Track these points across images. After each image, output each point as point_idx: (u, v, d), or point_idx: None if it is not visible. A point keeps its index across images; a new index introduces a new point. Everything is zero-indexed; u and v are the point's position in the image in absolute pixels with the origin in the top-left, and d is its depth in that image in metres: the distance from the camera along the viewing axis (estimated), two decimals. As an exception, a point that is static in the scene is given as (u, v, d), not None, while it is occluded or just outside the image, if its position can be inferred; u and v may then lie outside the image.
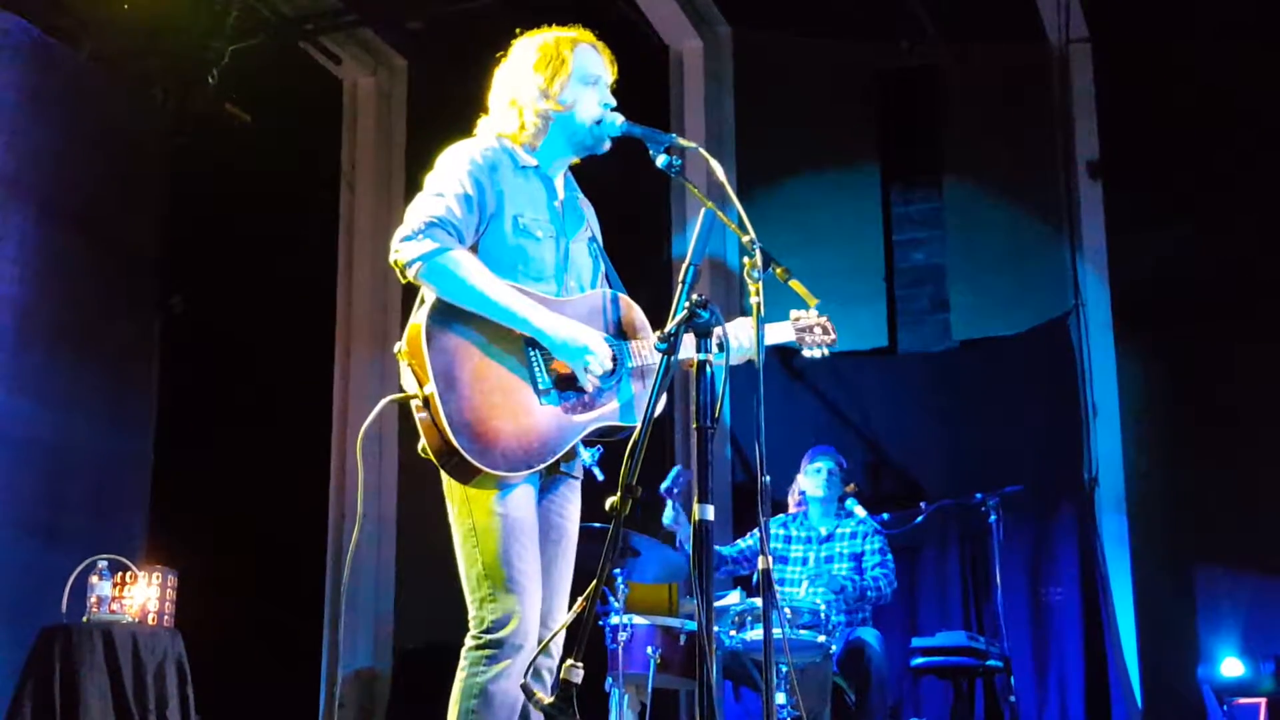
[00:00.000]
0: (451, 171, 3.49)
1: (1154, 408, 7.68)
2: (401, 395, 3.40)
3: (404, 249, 3.37)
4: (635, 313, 3.65)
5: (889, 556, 6.77)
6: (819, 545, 6.86)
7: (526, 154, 3.63)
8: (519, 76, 3.63)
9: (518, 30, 3.75)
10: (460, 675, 3.34)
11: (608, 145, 3.66)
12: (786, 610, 5.87)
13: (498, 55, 3.72)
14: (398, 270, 3.40)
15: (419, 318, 3.38)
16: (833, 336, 3.87)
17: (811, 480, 6.93)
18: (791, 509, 7.06)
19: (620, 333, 3.59)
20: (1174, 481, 7.52)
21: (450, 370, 3.33)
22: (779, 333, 3.85)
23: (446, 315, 3.37)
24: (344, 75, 9.47)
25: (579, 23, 3.79)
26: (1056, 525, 7.68)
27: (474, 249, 3.47)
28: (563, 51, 3.62)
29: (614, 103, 3.64)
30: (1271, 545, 7.24)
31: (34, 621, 6.33)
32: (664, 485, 6.26)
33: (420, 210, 3.42)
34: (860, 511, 6.84)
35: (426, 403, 3.31)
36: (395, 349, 3.42)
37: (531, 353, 3.43)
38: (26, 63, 7.57)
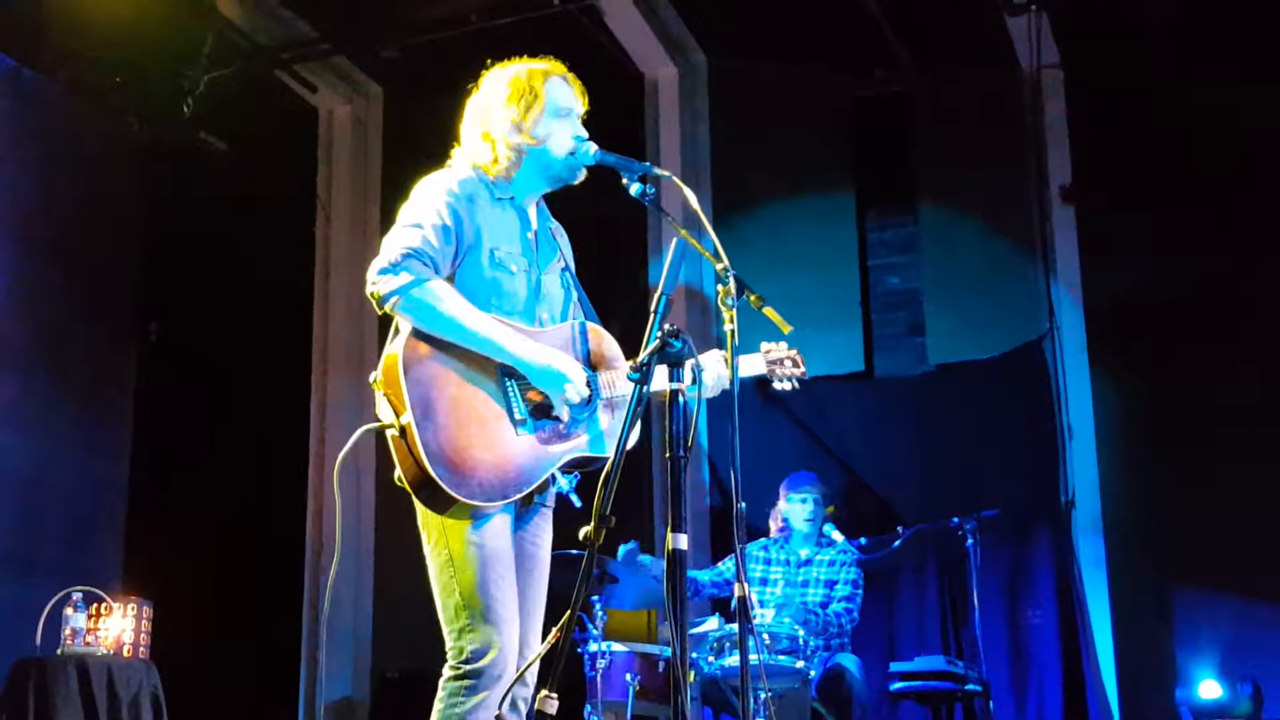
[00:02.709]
0: (429, 202, 3.48)
1: (1129, 430, 7.71)
2: (378, 425, 3.38)
3: (381, 282, 3.37)
4: (605, 343, 3.65)
5: (859, 591, 6.77)
6: (796, 569, 6.86)
7: (501, 185, 3.63)
8: (491, 110, 3.63)
9: (488, 61, 3.75)
10: (438, 706, 3.33)
11: (582, 175, 3.67)
12: (764, 636, 5.87)
13: (470, 86, 3.72)
14: (374, 302, 3.40)
15: (394, 348, 3.38)
16: (802, 369, 3.90)
17: (798, 511, 6.94)
18: (773, 534, 7.06)
19: (590, 364, 3.59)
20: (1151, 503, 7.55)
21: (427, 400, 3.32)
22: (750, 364, 3.86)
23: (422, 345, 3.37)
24: (320, 103, 9.48)
25: (555, 50, 3.79)
26: (1033, 548, 7.69)
27: (449, 280, 3.46)
28: (535, 85, 3.62)
29: (586, 134, 3.65)
30: (1249, 566, 7.27)
31: (8, 654, 6.29)
32: (620, 561, 6.33)
33: (397, 242, 3.41)
34: (838, 537, 6.86)
35: (403, 432, 3.30)
36: (371, 379, 3.41)
37: (508, 383, 3.43)
38: (1, 92, 7.56)
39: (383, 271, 3.37)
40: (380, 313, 3.42)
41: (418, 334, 3.37)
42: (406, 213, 3.50)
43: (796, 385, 3.91)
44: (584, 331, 3.63)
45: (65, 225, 7.96)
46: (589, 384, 3.51)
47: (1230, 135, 7.52)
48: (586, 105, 3.71)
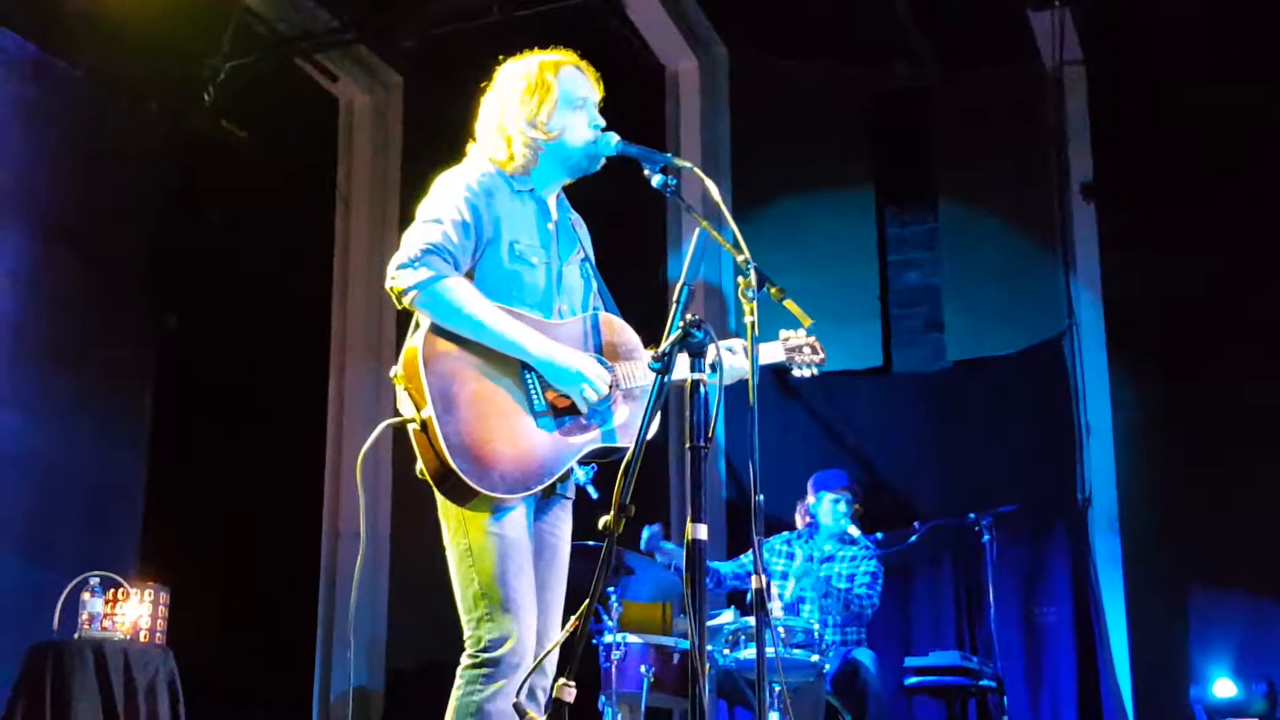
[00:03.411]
0: (449, 198, 3.48)
1: (1147, 428, 7.69)
2: (399, 419, 3.39)
3: (400, 276, 3.38)
4: (619, 335, 3.64)
5: (879, 580, 6.81)
6: (819, 565, 6.87)
7: (520, 178, 3.63)
8: (505, 107, 3.62)
9: (500, 57, 3.74)
10: (456, 694, 3.33)
11: (602, 164, 3.66)
12: (780, 629, 5.88)
13: (484, 84, 3.71)
14: (394, 296, 3.41)
15: (415, 342, 3.38)
16: (821, 356, 3.89)
17: (829, 511, 6.94)
18: (799, 527, 7.08)
19: (603, 355, 3.58)
20: (1167, 501, 7.53)
21: (448, 394, 3.32)
22: (769, 353, 3.86)
23: (442, 339, 3.37)
24: (340, 93, 9.49)
25: (575, 41, 3.78)
26: (1050, 545, 7.69)
27: (469, 274, 3.47)
28: (546, 78, 3.60)
29: (603, 122, 3.64)
30: (1264, 566, 7.25)
31: (25, 638, 6.30)
32: (642, 546, 6.32)
33: (417, 237, 3.41)
34: (855, 532, 6.86)
35: (424, 426, 3.31)
36: (391, 373, 3.42)
37: (527, 376, 3.43)
38: (22, 78, 7.58)
39: (402, 266, 3.38)
40: (399, 307, 3.43)
41: (437, 328, 3.38)
42: (426, 208, 3.50)
43: (816, 372, 3.90)
44: (596, 324, 3.63)
45: (85, 214, 7.97)
46: (610, 378, 3.51)
47: (1253, 133, 7.50)
48: (602, 92, 3.70)
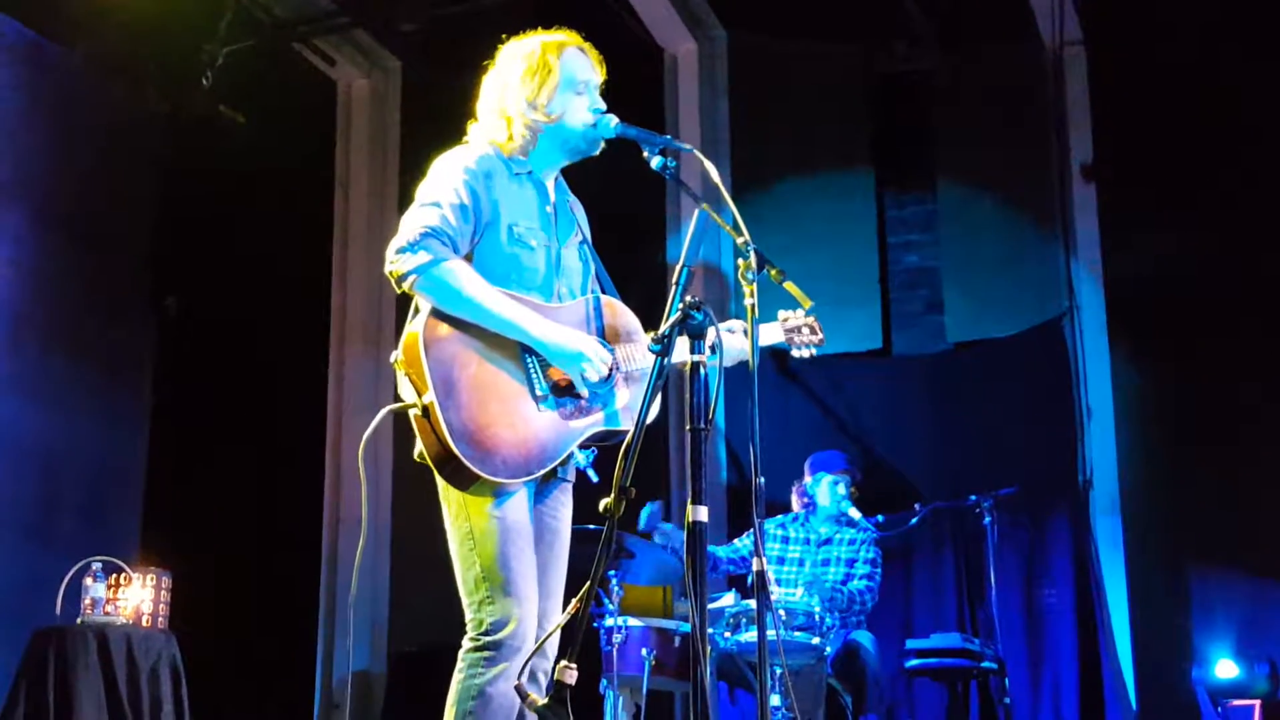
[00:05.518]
0: (446, 181, 3.47)
1: (1148, 410, 7.68)
2: (400, 405, 3.39)
3: (400, 261, 3.37)
4: (620, 318, 3.65)
5: (878, 570, 6.81)
6: (816, 548, 6.86)
7: (518, 160, 3.62)
8: (507, 88, 3.61)
9: (504, 36, 3.72)
10: (458, 677, 3.34)
11: (602, 147, 3.65)
12: (781, 612, 5.88)
13: (486, 63, 3.70)
14: (393, 281, 3.40)
15: (415, 327, 3.38)
16: (820, 336, 3.90)
17: (828, 493, 6.94)
18: (796, 509, 7.07)
19: (605, 338, 3.58)
20: (1168, 483, 7.52)
21: (449, 379, 3.32)
22: (768, 334, 3.87)
23: (443, 324, 3.37)
24: (338, 77, 9.46)
25: (574, 24, 3.77)
26: (1051, 527, 7.68)
27: (468, 257, 3.46)
28: (549, 60, 3.59)
29: (604, 106, 3.62)
30: (1266, 546, 7.24)
31: (28, 623, 6.31)
32: (641, 525, 6.32)
33: (415, 221, 3.40)
34: (855, 514, 6.85)
35: (426, 411, 3.31)
36: (392, 359, 3.41)
37: (528, 359, 3.43)
38: (20, 64, 7.57)
39: (401, 251, 3.37)
40: (399, 291, 3.42)
41: (438, 313, 3.37)
42: (424, 191, 3.49)
43: (815, 353, 3.90)
44: (598, 306, 3.63)
45: (83, 199, 7.96)
46: (610, 358, 3.50)
47: (1254, 113, 7.47)
48: (604, 75, 3.69)
